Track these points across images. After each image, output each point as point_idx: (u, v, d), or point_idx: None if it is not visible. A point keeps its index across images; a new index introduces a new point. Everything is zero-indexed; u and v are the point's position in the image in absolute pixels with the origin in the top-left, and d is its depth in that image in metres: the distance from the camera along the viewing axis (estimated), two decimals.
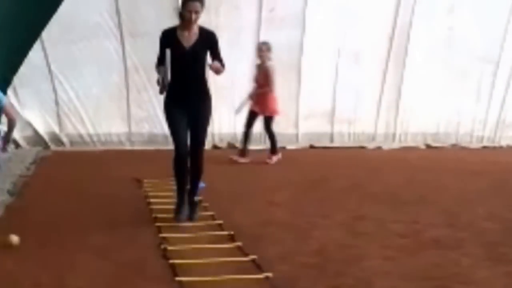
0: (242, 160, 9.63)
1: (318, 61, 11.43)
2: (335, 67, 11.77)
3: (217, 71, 5.67)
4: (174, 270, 4.31)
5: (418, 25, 11.70)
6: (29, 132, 10.85)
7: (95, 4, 10.44)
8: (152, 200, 6.67)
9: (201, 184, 7.35)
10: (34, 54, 10.13)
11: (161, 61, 5.64)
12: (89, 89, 10.68)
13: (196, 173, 5.79)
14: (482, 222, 6.00)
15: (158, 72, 5.59)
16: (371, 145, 12.12)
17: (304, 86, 11.66)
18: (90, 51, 10.53)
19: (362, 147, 12.02)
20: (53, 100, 10.81)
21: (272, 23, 11.24)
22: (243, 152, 9.74)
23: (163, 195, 6.84)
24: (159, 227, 5.51)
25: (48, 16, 9.62)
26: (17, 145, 10.68)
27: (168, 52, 5.50)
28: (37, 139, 10.89)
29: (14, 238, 4.87)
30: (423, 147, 12.43)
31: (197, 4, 5.63)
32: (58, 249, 4.84)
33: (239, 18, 11.03)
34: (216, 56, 5.72)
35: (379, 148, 12.05)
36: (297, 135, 11.99)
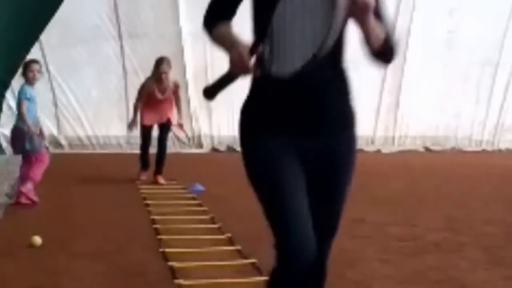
0: None
1: None
2: None
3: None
4: (173, 272, 4.30)
5: (417, 28, 11.73)
6: None
7: (94, 6, 10.48)
8: (150, 202, 6.68)
9: (200, 188, 7.37)
10: (32, 56, 10.10)
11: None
12: (88, 91, 10.71)
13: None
14: (481, 226, 6.01)
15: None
16: (370, 148, 12.13)
17: None
18: (89, 53, 10.56)
19: (361, 150, 12.02)
20: (51, 102, 10.83)
21: None
22: None
23: (161, 197, 6.85)
24: (157, 229, 5.50)
25: (47, 18, 9.63)
26: None
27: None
28: None
29: (37, 239, 4.91)
30: (422, 150, 12.46)
31: None
32: (56, 252, 4.82)
33: (238, 22, 11.02)
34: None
35: (378, 151, 12.07)
36: None
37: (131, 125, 8.41)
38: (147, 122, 8.24)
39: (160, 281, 4.20)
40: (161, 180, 8.06)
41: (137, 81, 11.00)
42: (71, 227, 5.67)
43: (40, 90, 10.59)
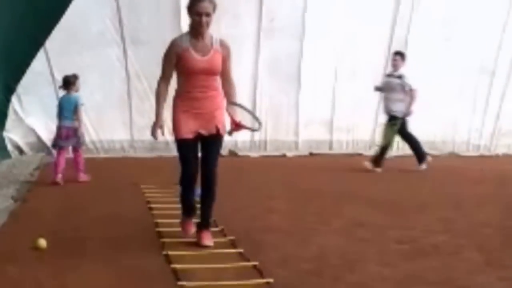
0: None
1: (317, 71, 11.54)
2: (334, 77, 11.87)
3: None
4: (177, 275, 4.34)
5: (414, 36, 11.80)
6: (32, 139, 10.93)
7: (98, 12, 10.54)
8: (153, 205, 6.72)
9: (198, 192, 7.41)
10: (38, 62, 10.24)
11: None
12: (92, 96, 10.76)
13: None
14: (479, 229, 6.05)
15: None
16: (369, 153, 12.19)
17: (304, 95, 11.75)
18: (93, 59, 10.61)
19: (360, 155, 12.09)
20: (56, 107, 10.87)
21: (272, 33, 11.34)
22: None
23: (164, 200, 6.88)
24: (160, 232, 5.55)
25: (51, 25, 9.72)
26: (20, 151, 10.76)
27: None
28: (40, 145, 10.96)
29: (42, 242, 4.97)
30: None
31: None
32: (61, 254, 4.86)
33: (239, 27, 11.12)
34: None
35: None
36: (297, 143, 12.08)
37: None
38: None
39: (163, 283, 4.23)
40: (207, 239, 5.25)
41: (140, 86, 11.12)
42: (75, 230, 5.69)
43: (45, 95, 10.73)
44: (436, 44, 11.98)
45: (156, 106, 5.17)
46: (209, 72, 5.06)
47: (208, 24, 5.00)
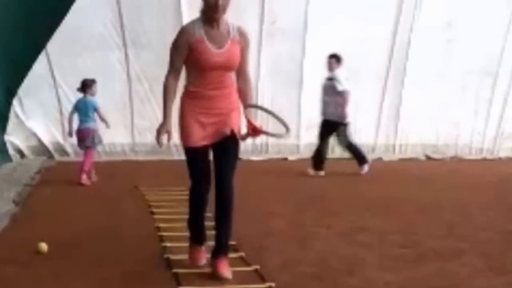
0: None
1: (319, 73, 11.51)
2: None
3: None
4: (178, 279, 4.34)
5: (417, 38, 11.79)
6: (33, 142, 10.93)
7: (99, 15, 10.53)
8: (154, 210, 6.71)
9: None
10: (39, 65, 10.24)
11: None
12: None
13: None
14: (482, 233, 6.02)
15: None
16: (371, 156, 12.18)
17: (306, 97, 11.73)
18: (94, 61, 10.59)
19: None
20: (57, 110, 10.91)
21: (274, 35, 11.34)
22: None
23: (165, 204, 6.87)
24: (161, 236, 5.54)
25: (53, 29, 9.73)
26: (22, 154, 10.76)
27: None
28: (41, 149, 10.96)
29: (43, 246, 4.97)
30: (423, 158, 12.49)
31: None
32: (63, 258, 4.86)
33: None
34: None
35: (379, 159, 12.11)
36: (298, 146, 12.06)
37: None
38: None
39: (165, 287, 4.23)
40: (225, 268, 4.43)
41: (141, 88, 11.12)
42: (76, 233, 5.69)
43: (46, 98, 10.74)
44: (438, 46, 11.96)
45: (164, 105, 4.39)
46: (226, 68, 4.32)
47: (224, 9, 4.22)
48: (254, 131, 4.40)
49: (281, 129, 4.44)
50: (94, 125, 8.63)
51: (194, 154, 4.41)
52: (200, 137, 4.36)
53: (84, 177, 8.43)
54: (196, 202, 4.55)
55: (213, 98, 4.35)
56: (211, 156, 4.52)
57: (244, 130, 4.52)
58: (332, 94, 9.62)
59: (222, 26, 4.32)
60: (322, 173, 9.77)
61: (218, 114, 4.37)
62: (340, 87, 9.56)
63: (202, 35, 4.25)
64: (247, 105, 4.53)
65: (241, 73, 4.51)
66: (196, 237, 4.68)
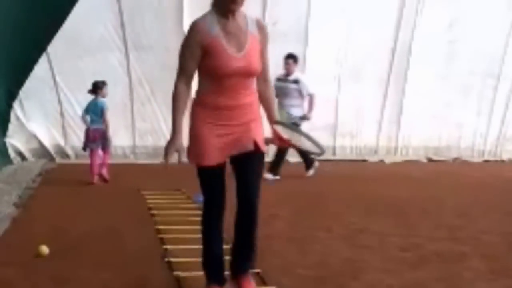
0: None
1: (320, 75, 11.50)
2: (337, 81, 11.85)
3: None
4: (179, 282, 4.33)
5: (419, 39, 11.78)
6: (34, 145, 10.93)
7: (100, 17, 10.53)
8: (155, 212, 6.69)
9: (200, 198, 7.38)
10: (39, 67, 10.24)
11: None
12: None
13: None
14: (484, 236, 6.01)
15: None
16: (373, 159, 12.17)
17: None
18: (95, 63, 10.59)
19: (364, 160, 12.06)
20: (58, 112, 10.91)
21: (275, 36, 11.31)
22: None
23: (166, 207, 6.86)
24: (162, 239, 5.53)
25: (54, 30, 9.72)
26: (22, 157, 10.75)
27: None
28: (42, 151, 10.96)
29: (44, 249, 4.96)
30: (424, 160, 12.47)
31: None
32: (63, 262, 4.85)
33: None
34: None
35: (381, 161, 12.10)
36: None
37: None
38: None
39: None
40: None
41: (142, 91, 11.11)
42: (77, 236, 5.67)
43: (47, 101, 10.73)
44: (440, 47, 11.95)
45: (173, 117, 3.70)
46: (247, 74, 3.68)
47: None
48: (280, 140, 3.79)
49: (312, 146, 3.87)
50: (104, 127, 8.86)
51: (209, 175, 3.78)
52: (216, 155, 3.71)
53: (104, 172, 8.86)
54: (212, 233, 3.88)
55: (232, 109, 3.69)
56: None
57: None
58: (297, 96, 9.36)
59: (240, 19, 3.68)
60: (278, 177, 9.41)
61: (237, 125, 3.70)
62: (310, 90, 9.37)
63: (218, 34, 3.57)
64: (273, 120, 3.86)
65: (261, 76, 3.83)
66: (214, 277, 3.93)
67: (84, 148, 8.98)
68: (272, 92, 3.94)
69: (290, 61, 9.43)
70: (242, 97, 3.71)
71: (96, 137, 8.81)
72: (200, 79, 3.75)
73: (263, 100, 3.87)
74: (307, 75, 11.55)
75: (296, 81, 9.38)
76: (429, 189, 8.99)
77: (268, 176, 9.21)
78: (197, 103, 3.77)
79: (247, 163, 3.75)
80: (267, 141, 3.87)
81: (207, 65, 3.63)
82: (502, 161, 12.87)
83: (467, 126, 12.71)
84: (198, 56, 3.62)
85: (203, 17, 3.66)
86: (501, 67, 12.41)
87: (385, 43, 11.78)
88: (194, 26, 3.64)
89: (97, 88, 8.83)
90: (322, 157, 11.85)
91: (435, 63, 11.95)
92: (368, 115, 12.16)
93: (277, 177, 9.45)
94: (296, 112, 9.37)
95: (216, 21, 3.61)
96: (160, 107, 11.03)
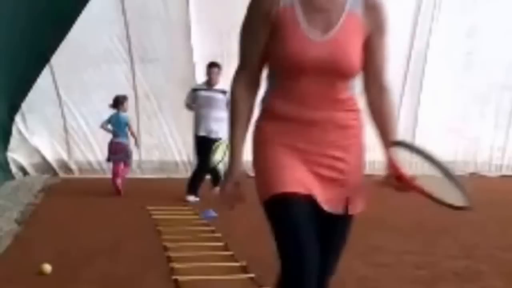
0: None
1: None
2: None
3: None
4: None
5: (435, 50, 11.67)
6: (37, 159, 10.84)
7: (106, 29, 10.50)
8: (161, 228, 6.59)
9: (213, 214, 7.26)
10: (43, 80, 10.19)
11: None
12: (99, 115, 10.66)
13: None
14: (502, 253, 5.88)
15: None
16: (386, 173, 11.99)
17: None
18: (100, 76, 10.56)
19: (380, 175, 11.89)
20: (61, 126, 10.83)
21: None
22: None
23: (173, 223, 6.79)
24: (169, 256, 5.41)
25: (58, 41, 9.67)
26: (24, 172, 10.65)
27: None
28: (45, 166, 10.87)
29: (47, 267, 4.88)
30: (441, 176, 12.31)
31: None
32: (65, 279, 4.76)
33: None
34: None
35: None
36: None
37: None
38: None
39: None
40: None
41: (148, 105, 11.01)
42: (81, 253, 5.58)
43: (50, 114, 10.63)
44: (457, 58, 11.83)
45: (230, 134, 2.44)
46: (332, 70, 2.31)
47: None
48: (400, 179, 2.45)
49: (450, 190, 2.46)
50: (127, 141, 9.24)
51: (285, 207, 2.35)
52: (298, 177, 2.34)
53: (119, 183, 9.05)
54: None
55: (308, 125, 2.36)
56: None
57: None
58: (222, 109, 8.46)
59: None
60: (197, 198, 8.61)
61: (318, 155, 2.39)
62: None
63: (294, 3, 2.30)
64: (390, 142, 2.51)
65: (374, 78, 2.50)
66: None
67: (109, 159, 9.33)
68: (391, 104, 2.57)
69: (215, 69, 8.72)
70: (328, 108, 2.38)
71: (118, 151, 9.14)
72: (268, 80, 2.47)
73: (375, 113, 2.56)
74: None
75: (224, 92, 8.46)
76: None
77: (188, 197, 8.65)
78: (263, 116, 2.46)
79: (328, 225, 2.52)
80: (383, 183, 2.56)
81: (270, 52, 2.35)
82: None
83: (484, 140, 12.56)
84: (264, 37, 2.34)
85: None
86: None
87: (399, 52, 11.64)
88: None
89: (118, 102, 9.12)
90: None
91: (451, 74, 11.82)
92: None
93: (196, 199, 8.70)
94: (223, 126, 8.16)
95: None
96: (167, 121, 10.93)
